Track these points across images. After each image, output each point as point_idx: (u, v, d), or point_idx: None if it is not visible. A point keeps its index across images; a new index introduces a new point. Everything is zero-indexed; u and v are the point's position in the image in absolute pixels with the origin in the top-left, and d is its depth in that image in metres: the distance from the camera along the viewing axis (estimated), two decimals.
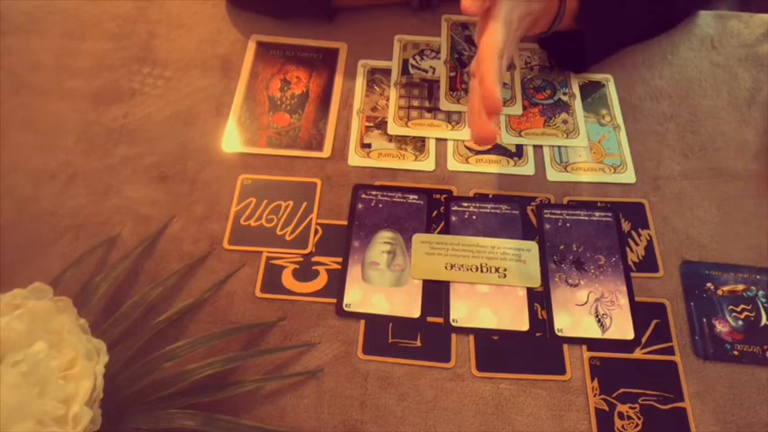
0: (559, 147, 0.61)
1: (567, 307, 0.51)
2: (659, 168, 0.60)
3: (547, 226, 0.55)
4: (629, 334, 0.50)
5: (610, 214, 0.56)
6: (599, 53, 0.63)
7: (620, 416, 0.47)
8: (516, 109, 0.63)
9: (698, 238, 0.56)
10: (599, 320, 0.51)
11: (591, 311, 0.51)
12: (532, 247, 0.54)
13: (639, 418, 0.47)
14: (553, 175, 0.59)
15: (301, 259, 0.54)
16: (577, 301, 0.52)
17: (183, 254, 0.54)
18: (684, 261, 0.54)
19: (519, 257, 0.54)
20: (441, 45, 0.68)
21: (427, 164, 0.60)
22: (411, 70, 0.66)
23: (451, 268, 0.53)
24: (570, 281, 0.53)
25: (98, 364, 0.40)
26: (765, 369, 0.49)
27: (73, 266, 0.51)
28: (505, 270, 0.53)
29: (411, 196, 0.57)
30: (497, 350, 0.50)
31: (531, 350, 0.50)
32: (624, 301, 0.52)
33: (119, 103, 0.63)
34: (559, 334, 0.50)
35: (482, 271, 0.53)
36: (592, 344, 0.50)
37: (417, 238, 0.55)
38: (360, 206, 0.57)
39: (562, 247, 0.54)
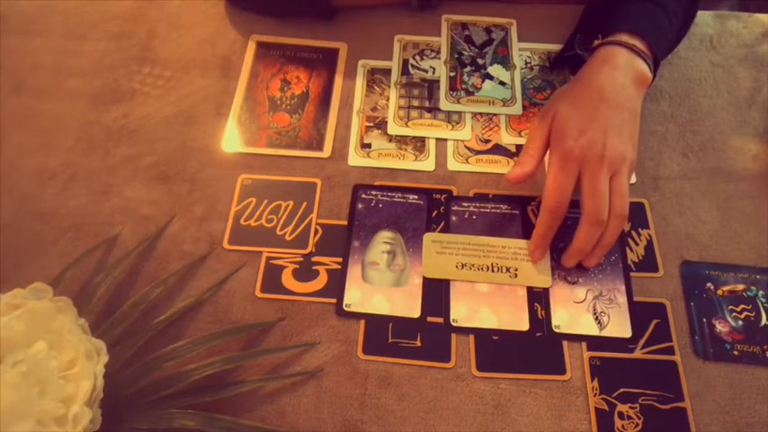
0: None
1: (565, 304, 0.51)
2: (659, 168, 0.60)
3: None
4: (627, 332, 0.50)
5: None
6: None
7: (621, 415, 0.47)
8: (516, 109, 0.63)
9: (698, 238, 0.56)
10: (596, 318, 0.51)
11: (589, 309, 0.51)
12: None
13: (639, 418, 0.47)
14: None
15: (301, 259, 0.54)
16: (576, 298, 0.52)
17: (183, 254, 0.54)
18: (684, 261, 0.54)
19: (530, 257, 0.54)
20: (441, 45, 0.68)
21: (427, 164, 0.60)
22: (411, 70, 0.66)
23: (462, 267, 0.53)
24: (569, 278, 0.53)
25: (98, 364, 0.40)
26: (765, 369, 0.49)
27: (73, 266, 0.51)
28: (516, 270, 0.53)
29: (411, 196, 0.57)
30: (497, 350, 0.50)
31: (530, 350, 0.50)
32: (623, 299, 0.52)
33: (119, 103, 0.63)
34: (557, 330, 0.50)
35: (493, 270, 0.53)
36: (590, 341, 0.50)
37: (428, 237, 0.55)
38: (360, 206, 0.57)
39: (562, 244, 0.54)
